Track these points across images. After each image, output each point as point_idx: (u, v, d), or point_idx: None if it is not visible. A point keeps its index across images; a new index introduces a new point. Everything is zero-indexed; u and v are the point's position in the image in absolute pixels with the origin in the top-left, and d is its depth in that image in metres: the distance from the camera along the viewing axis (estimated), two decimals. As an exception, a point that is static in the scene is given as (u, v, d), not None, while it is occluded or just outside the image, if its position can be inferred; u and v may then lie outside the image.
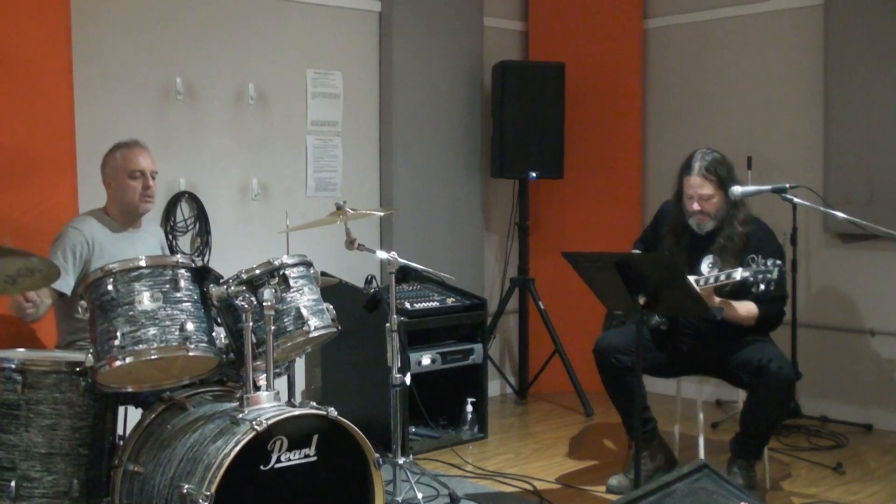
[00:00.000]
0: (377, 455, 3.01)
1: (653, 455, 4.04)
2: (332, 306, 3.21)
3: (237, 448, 2.68)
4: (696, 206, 3.86)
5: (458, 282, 4.78)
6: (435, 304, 4.75)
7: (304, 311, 3.05)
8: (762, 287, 3.52)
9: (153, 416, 3.06)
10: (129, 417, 3.39)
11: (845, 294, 5.11)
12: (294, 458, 2.84)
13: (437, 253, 5.31)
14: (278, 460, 2.81)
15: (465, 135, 5.57)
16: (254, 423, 2.73)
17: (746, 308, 3.77)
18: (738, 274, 3.56)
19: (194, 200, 4.61)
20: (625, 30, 5.87)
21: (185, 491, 2.69)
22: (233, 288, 2.96)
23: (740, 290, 3.72)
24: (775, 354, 3.72)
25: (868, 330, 5.00)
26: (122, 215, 3.66)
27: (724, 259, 3.82)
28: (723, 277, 3.61)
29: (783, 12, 5.31)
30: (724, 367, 3.86)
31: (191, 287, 2.97)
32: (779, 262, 3.52)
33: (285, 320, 3.04)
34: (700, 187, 3.84)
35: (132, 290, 2.88)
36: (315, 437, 2.88)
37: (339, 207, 3.70)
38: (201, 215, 4.61)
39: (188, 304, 2.93)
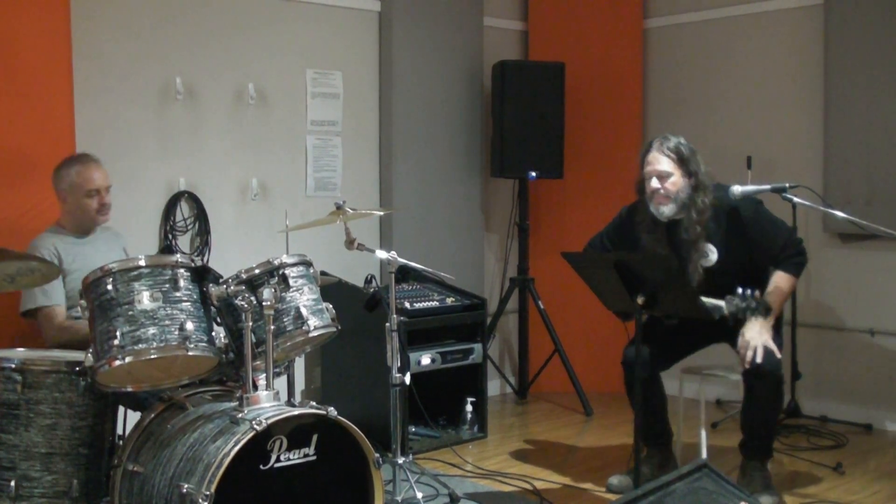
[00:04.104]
0: (377, 455, 3.01)
1: (662, 464, 4.02)
2: (331, 306, 3.21)
3: (237, 448, 2.68)
4: (654, 184, 3.75)
5: (458, 282, 4.77)
6: (435, 303, 4.75)
7: (303, 311, 3.05)
8: (745, 316, 3.45)
9: (153, 415, 3.06)
10: (129, 417, 3.39)
11: (845, 294, 5.11)
12: (294, 457, 2.84)
13: (437, 253, 5.31)
14: (278, 460, 2.81)
15: (465, 135, 5.57)
16: (253, 422, 2.73)
17: (786, 289, 3.72)
18: (725, 307, 3.44)
19: (194, 200, 4.61)
20: (625, 30, 5.87)
21: (184, 490, 2.69)
22: (232, 288, 2.96)
23: (749, 267, 3.72)
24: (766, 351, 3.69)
25: (868, 330, 5.00)
26: (77, 228, 3.74)
27: (694, 249, 3.76)
28: (709, 305, 3.50)
29: (783, 12, 5.31)
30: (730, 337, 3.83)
31: (190, 287, 2.97)
32: (755, 291, 3.41)
33: (285, 320, 3.04)
34: (657, 163, 3.75)
35: (132, 289, 2.88)
36: (315, 437, 2.88)
37: (338, 207, 3.70)
38: (201, 215, 4.62)
39: (188, 303, 2.93)
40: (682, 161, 3.75)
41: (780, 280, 3.76)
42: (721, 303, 3.45)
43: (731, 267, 3.78)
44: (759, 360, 3.61)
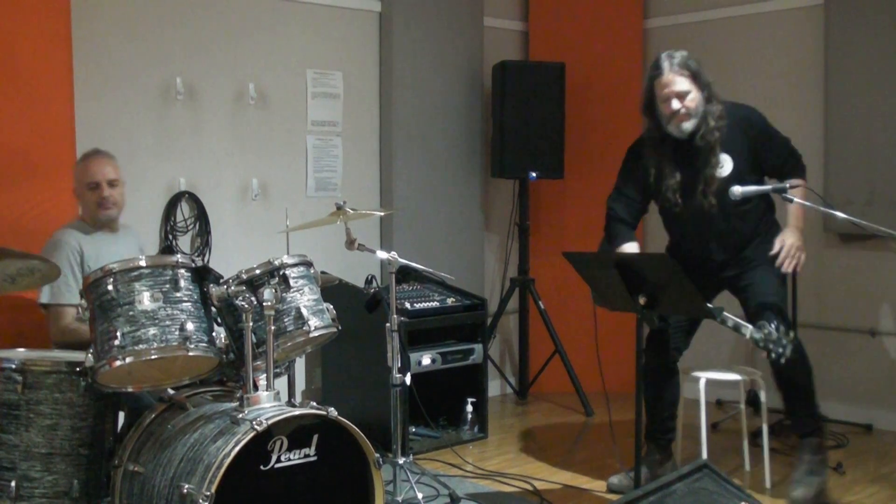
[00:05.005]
0: (377, 455, 3.01)
1: (661, 462, 4.03)
2: (332, 306, 3.21)
3: (237, 448, 2.68)
4: (675, 106, 3.73)
5: (458, 282, 4.77)
6: (435, 304, 4.75)
7: (304, 311, 3.05)
8: (772, 354, 3.35)
9: (153, 416, 3.06)
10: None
11: (845, 294, 5.11)
12: (294, 458, 2.84)
13: (437, 253, 5.31)
14: (278, 460, 2.81)
15: (465, 135, 5.57)
16: (254, 423, 2.73)
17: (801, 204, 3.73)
18: (749, 333, 3.38)
19: (194, 200, 4.61)
20: (625, 30, 5.86)
21: (185, 491, 2.69)
22: (233, 288, 2.96)
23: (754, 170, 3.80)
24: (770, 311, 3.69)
25: (868, 330, 5.00)
26: (94, 223, 3.74)
27: (711, 155, 3.77)
28: (730, 324, 3.45)
29: (783, 12, 5.31)
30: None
31: (191, 287, 2.97)
32: (788, 328, 3.34)
33: (285, 320, 3.04)
34: (675, 84, 3.74)
35: (132, 289, 2.88)
36: (315, 437, 2.88)
37: (339, 207, 3.70)
38: (201, 215, 4.62)
39: (188, 304, 2.93)
40: (695, 76, 3.76)
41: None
42: (749, 326, 3.40)
43: (744, 177, 3.77)
44: (788, 269, 3.68)
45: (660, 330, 3.92)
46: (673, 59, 3.76)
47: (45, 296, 3.57)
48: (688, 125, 3.76)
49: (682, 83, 3.73)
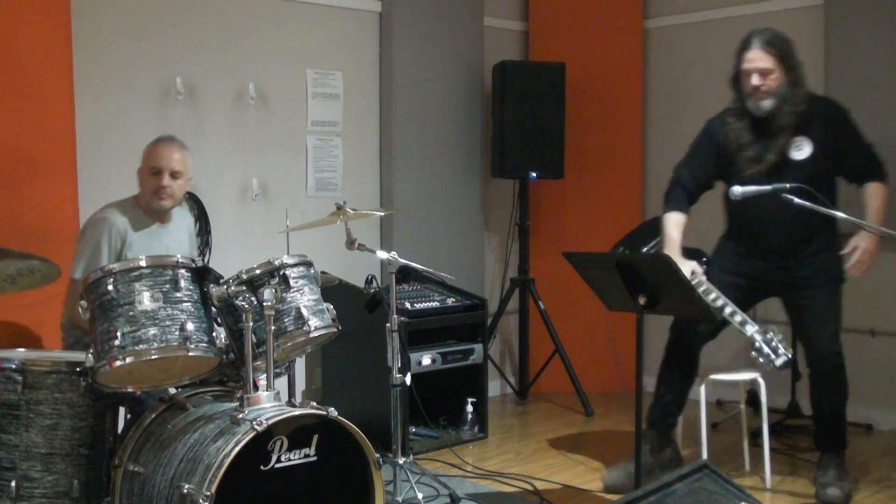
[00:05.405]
0: (377, 455, 3.01)
1: (661, 447, 4.02)
2: (332, 306, 3.21)
3: (237, 448, 2.68)
4: (755, 81, 3.73)
5: (458, 282, 4.77)
6: (435, 304, 4.75)
7: (304, 311, 3.05)
8: (761, 358, 3.43)
9: (153, 416, 3.06)
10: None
11: (845, 294, 5.08)
12: (294, 458, 2.84)
13: (437, 253, 5.31)
14: (278, 460, 2.81)
15: (465, 135, 5.57)
16: (254, 423, 2.73)
17: (883, 202, 3.75)
18: (750, 332, 3.43)
19: (194, 200, 4.60)
20: (625, 30, 5.87)
21: (185, 491, 2.69)
22: (233, 288, 2.96)
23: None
24: (824, 338, 3.77)
25: (868, 330, 5.00)
26: (147, 208, 3.65)
27: (783, 137, 3.75)
28: (738, 319, 3.51)
29: (783, 12, 5.31)
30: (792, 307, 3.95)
31: (191, 287, 2.97)
32: (783, 355, 3.39)
33: (285, 320, 3.04)
34: (759, 60, 3.73)
35: (132, 290, 2.88)
36: (315, 437, 2.88)
37: (339, 207, 3.70)
38: (201, 215, 4.61)
39: (188, 304, 2.93)
40: (783, 57, 3.75)
41: (875, 192, 3.80)
42: (754, 325, 3.42)
43: (821, 164, 3.78)
44: (856, 274, 3.72)
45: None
46: (763, 35, 3.77)
47: (71, 269, 3.48)
48: (766, 103, 3.77)
49: (766, 60, 3.73)
